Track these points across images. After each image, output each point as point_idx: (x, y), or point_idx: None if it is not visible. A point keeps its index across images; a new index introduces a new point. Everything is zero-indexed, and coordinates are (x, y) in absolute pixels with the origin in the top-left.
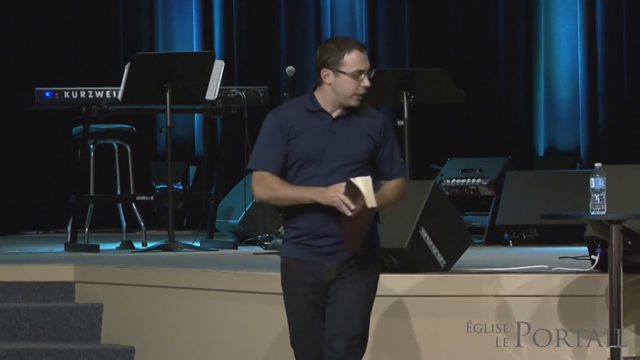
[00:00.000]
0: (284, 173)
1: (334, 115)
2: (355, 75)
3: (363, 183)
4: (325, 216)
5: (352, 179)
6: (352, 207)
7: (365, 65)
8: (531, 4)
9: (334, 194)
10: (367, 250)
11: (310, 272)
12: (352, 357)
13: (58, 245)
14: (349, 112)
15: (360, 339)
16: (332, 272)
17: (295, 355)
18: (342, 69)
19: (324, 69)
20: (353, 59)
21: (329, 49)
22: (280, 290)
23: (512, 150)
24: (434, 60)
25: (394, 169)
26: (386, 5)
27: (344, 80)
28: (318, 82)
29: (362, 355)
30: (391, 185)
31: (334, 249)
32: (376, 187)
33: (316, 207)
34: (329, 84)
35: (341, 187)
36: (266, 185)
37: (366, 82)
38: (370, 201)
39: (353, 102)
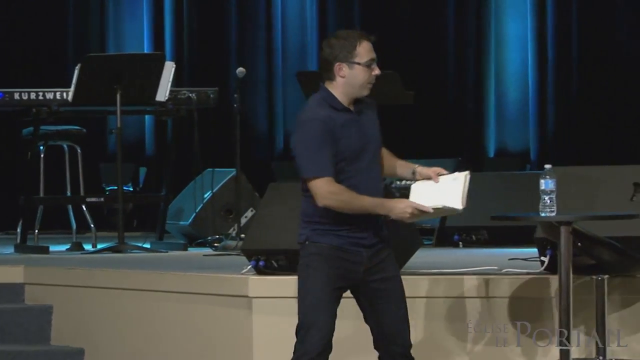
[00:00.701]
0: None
1: (354, 110)
2: (369, 64)
3: (463, 181)
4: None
5: (457, 176)
6: (429, 210)
7: (374, 54)
8: (481, 6)
9: (404, 210)
10: (388, 241)
11: (347, 260)
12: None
13: (8, 247)
14: (360, 105)
15: None
16: (369, 262)
17: (302, 340)
18: (356, 60)
19: (338, 64)
20: (365, 49)
21: (338, 44)
22: (229, 292)
23: (462, 151)
24: (383, 61)
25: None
26: (336, 7)
27: (359, 71)
28: (328, 79)
29: None
30: (388, 155)
31: (372, 240)
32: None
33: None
34: (343, 77)
35: (410, 202)
36: (336, 195)
37: (377, 71)
38: (463, 201)
39: (365, 92)
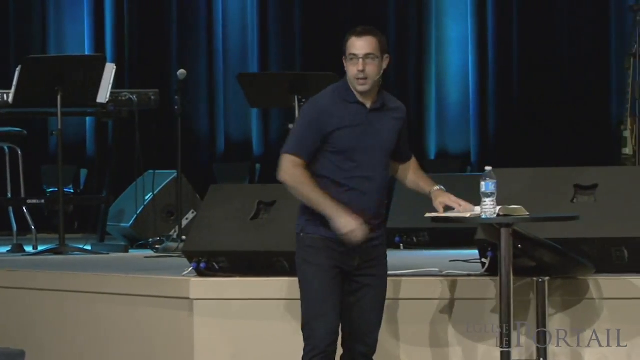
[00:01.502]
0: (327, 163)
1: (369, 107)
2: (350, 59)
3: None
4: (371, 203)
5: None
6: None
7: (359, 51)
8: (422, 8)
9: (350, 231)
10: (384, 246)
11: (340, 251)
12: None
13: None
14: (382, 104)
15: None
16: (360, 257)
17: (309, 335)
18: (346, 54)
19: (343, 57)
20: (350, 44)
21: (345, 39)
22: (170, 294)
23: None
24: (324, 63)
25: (408, 152)
26: (277, 9)
27: (347, 65)
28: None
29: None
30: (417, 174)
31: (369, 235)
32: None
33: (359, 193)
34: (346, 71)
35: (358, 223)
36: (296, 175)
37: (359, 66)
38: None
39: (357, 87)
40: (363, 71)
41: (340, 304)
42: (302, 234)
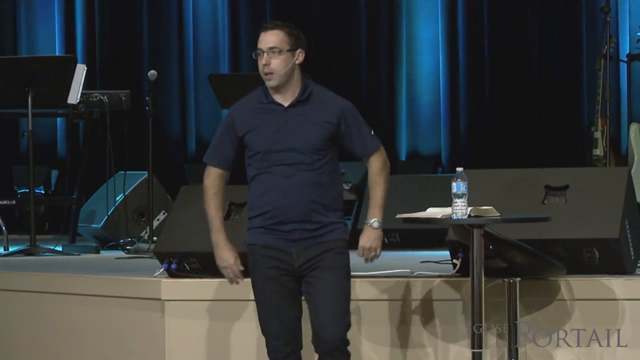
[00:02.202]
0: (250, 166)
1: (286, 105)
2: (258, 55)
3: None
4: (289, 201)
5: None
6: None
7: (263, 45)
8: (393, 9)
9: (220, 257)
10: (338, 241)
11: (278, 258)
12: (341, 346)
13: None
14: (303, 100)
15: (344, 327)
16: (301, 258)
17: (266, 343)
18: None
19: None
20: (258, 40)
21: None
22: (141, 295)
23: None
24: None
25: (368, 146)
26: (248, 10)
27: (258, 62)
28: None
29: (347, 343)
30: (373, 181)
31: (302, 236)
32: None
33: (280, 193)
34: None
35: (230, 261)
36: (205, 187)
37: (262, 61)
38: None
39: (266, 83)
40: (267, 65)
41: (294, 310)
42: (248, 246)
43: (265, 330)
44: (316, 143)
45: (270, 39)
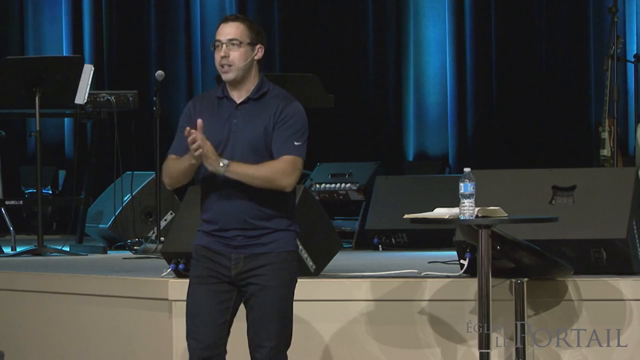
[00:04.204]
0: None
1: (238, 101)
2: (216, 46)
3: None
4: (229, 205)
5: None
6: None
7: (222, 37)
8: (400, 10)
9: (195, 147)
10: (282, 253)
11: (216, 261)
12: None
13: None
14: (255, 99)
15: (281, 346)
16: (239, 266)
17: (187, 345)
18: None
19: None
20: (217, 31)
21: None
22: (149, 295)
23: (381, 155)
24: (304, 64)
25: (282, 148)
26: (256, 9)
27: (215, 55)
28: None
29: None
30: (268, 163)
31: (243, 242)
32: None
33: (220, 196)
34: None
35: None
36: (164, 167)
37: (221, 52)
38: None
39: (222, 75)
40: (225, 57)
41: (220, 316)
42: (194, 244)
43: (186, 331)
44: (259, 143)
45: (230, 30)
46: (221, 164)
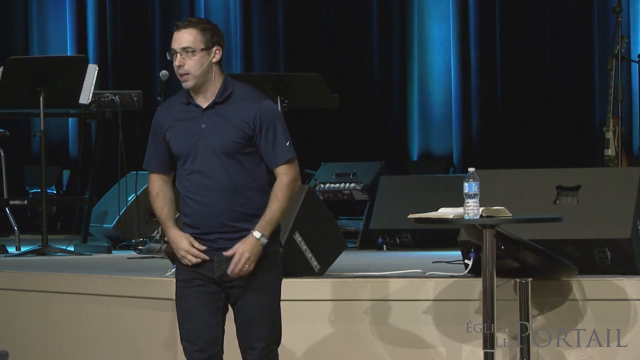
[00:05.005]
0: (177, 171)
1: (204, 106)
2: (172, 55)
3: None
4: (207, 209)
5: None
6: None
7: (176, 45)
8: (405, 9)
9: (177, 245)
10: (267, 255)
11: (200, 264)
12: None
13: None
14: (221, 102)
15: (271, 346)
16: (222, 268)
17: (183, 349)
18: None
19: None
20: (172, 39)
21: None
22: (153, 295)
23: (386, 155)
24: (308, 64)
25: (278, 156)
26: (261, 10)
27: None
28: None
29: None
30: (273, 194)
31: (225, 245)
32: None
33: (198, 201)
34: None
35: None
36: (149, 191)
37: (175, 62)
38: None
39: (184, 85)
40: (181, 66)
41: (213, 315)
42: None
43: (180, 335)
44: (231, 146)
45: (183, 37)
46: (259, 241)
